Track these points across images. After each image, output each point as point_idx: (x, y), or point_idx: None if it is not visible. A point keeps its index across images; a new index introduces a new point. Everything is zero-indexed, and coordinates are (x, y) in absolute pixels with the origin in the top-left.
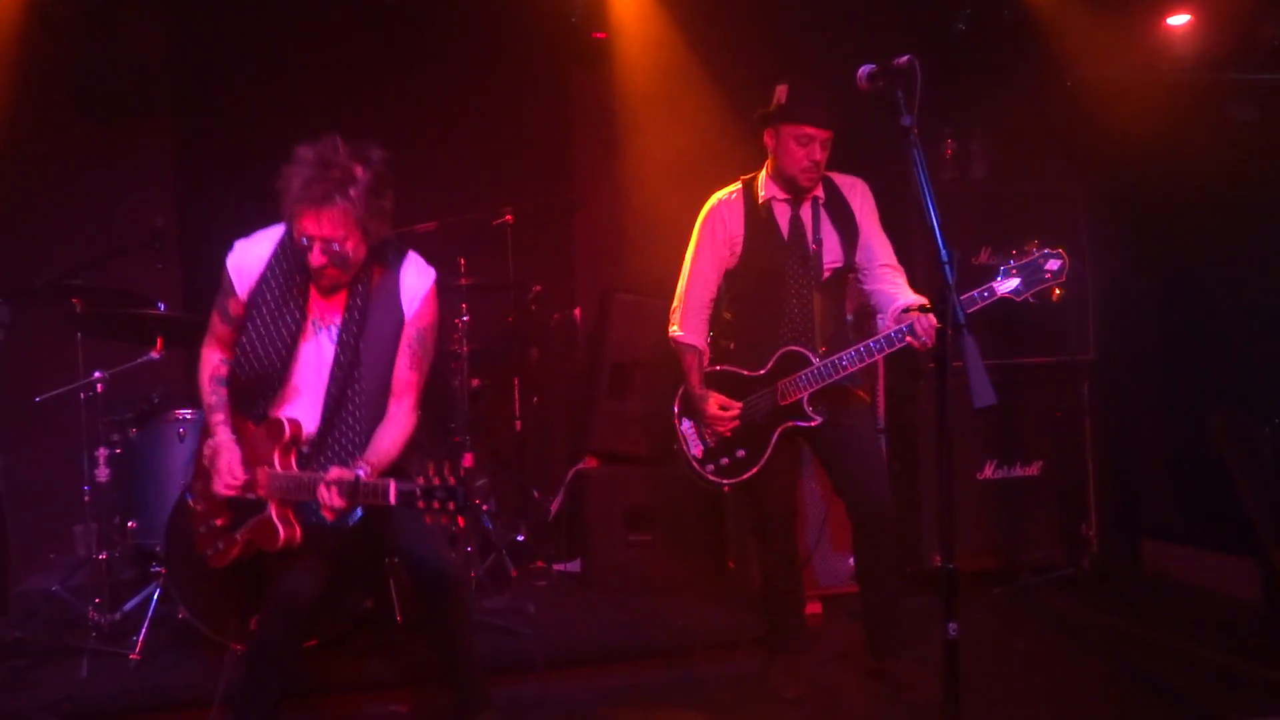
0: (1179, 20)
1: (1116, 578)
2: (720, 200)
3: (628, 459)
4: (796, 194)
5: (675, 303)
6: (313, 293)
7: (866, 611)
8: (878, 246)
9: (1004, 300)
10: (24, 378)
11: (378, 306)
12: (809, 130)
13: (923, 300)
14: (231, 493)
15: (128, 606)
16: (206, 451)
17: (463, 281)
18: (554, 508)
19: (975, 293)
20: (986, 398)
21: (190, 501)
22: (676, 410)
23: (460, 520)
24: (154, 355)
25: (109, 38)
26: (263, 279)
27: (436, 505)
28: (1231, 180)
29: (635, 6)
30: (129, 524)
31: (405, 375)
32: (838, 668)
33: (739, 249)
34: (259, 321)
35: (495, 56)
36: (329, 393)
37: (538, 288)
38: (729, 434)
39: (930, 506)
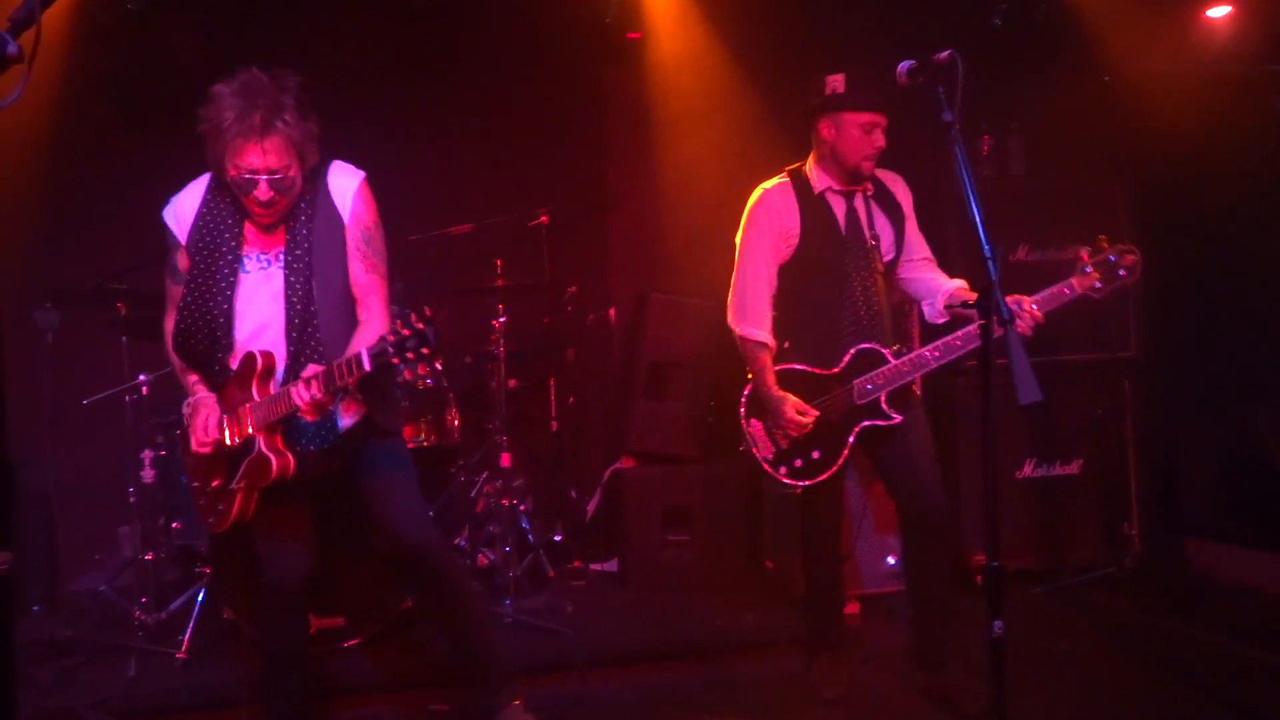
0: (1219, 12)
1: (1160, 577)
2: (770, 190)
3: (665, 459)
4: (853, 184)
5: (731, 300)
6: (247, 228)
7: (916, 620)
8: (917, 240)
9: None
10: (71, 380)
11: (319, 225)
12: (872, 117)
13: (963, 283)
14: (205, 450)
15: (173, 606)
16: (186, 411)
17: (499, 283)
18: (591, 508)
19: (1056, 289)
20: (1032, 394)
21: (185, 480)
22: (743, 411)
23: (438, 363)
24: None
25: (150, 48)
26: (197, 223)
27: (411, 356)
28: (1273, 173)
29: (669, 6)
30: (173, 525)
31: (364, 280)
32: (877, 668)
33: (794, 241)
34: (197, 269)
35: (529, 58)
36: (289, 322)
37: (574, 288)
38: (801, 437)
39: (970, 505)
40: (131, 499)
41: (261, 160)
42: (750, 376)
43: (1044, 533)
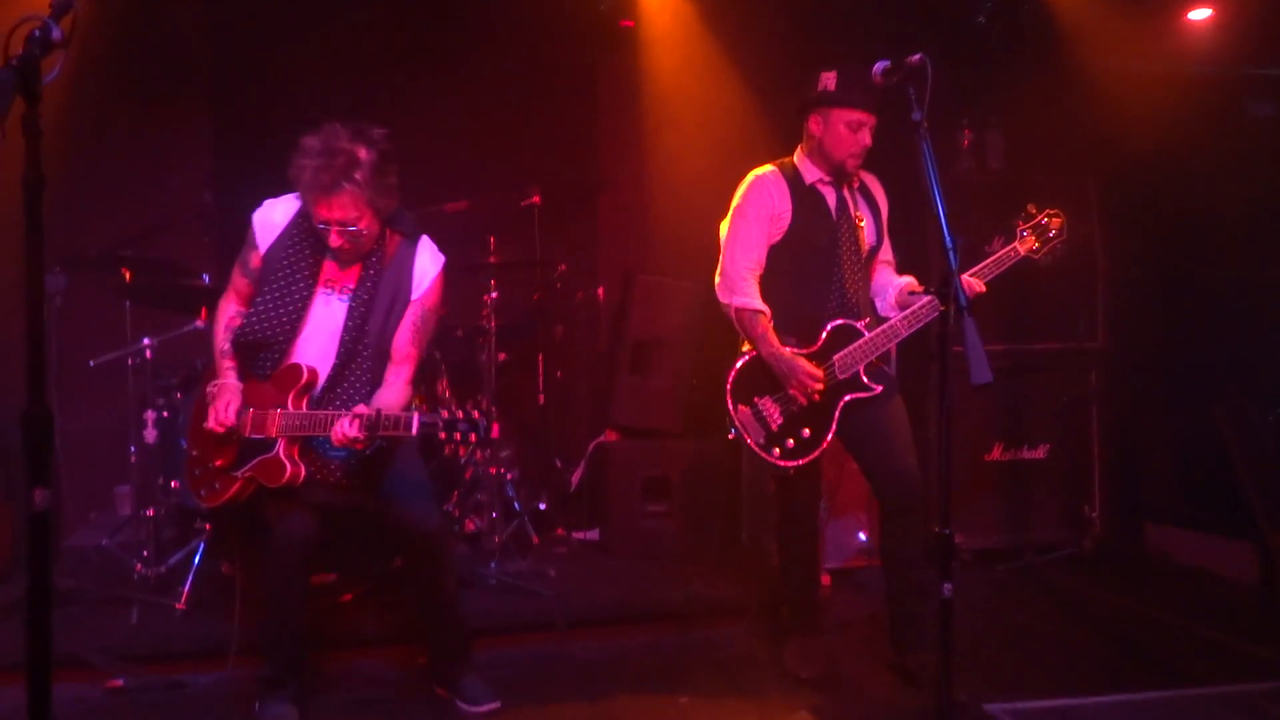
0: (1200, 15)
1: (1118, 558)
2: (763, 175)
3: (647, 433)
4: (839, 178)
5: (720, 279)
6: (326, 260)
7: (891, 601)
8: (888, 240)
9: (1022, 269)
10: (76, 343)
11: (389, 278)
12: (859, 115)
13: (912, 279)
14: (219, 430)
15: (173, 560)
16: (211, 389)
17: (492, 259)
18: (575, 478)
19: (1002, 253)
20: (983, 375)
21: (185, 445)
22: (730, 398)
23: (479, 454)
24: (198, 324)
25: (152, 22)
26: (280, 239)
27: (458, 437)
28: (1243, 174)
29: None
30: (172, 484)
31: (406, 349)
32: (845, 639)
33: (785, 225)
34: (273, 284)
35: (526, 45)
36: (340, 352)
37: (563, 267)
38: (807, 403)
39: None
40: (133, 458)
41: (329, 213)
42: (745, 351)
43: (1009, 514)
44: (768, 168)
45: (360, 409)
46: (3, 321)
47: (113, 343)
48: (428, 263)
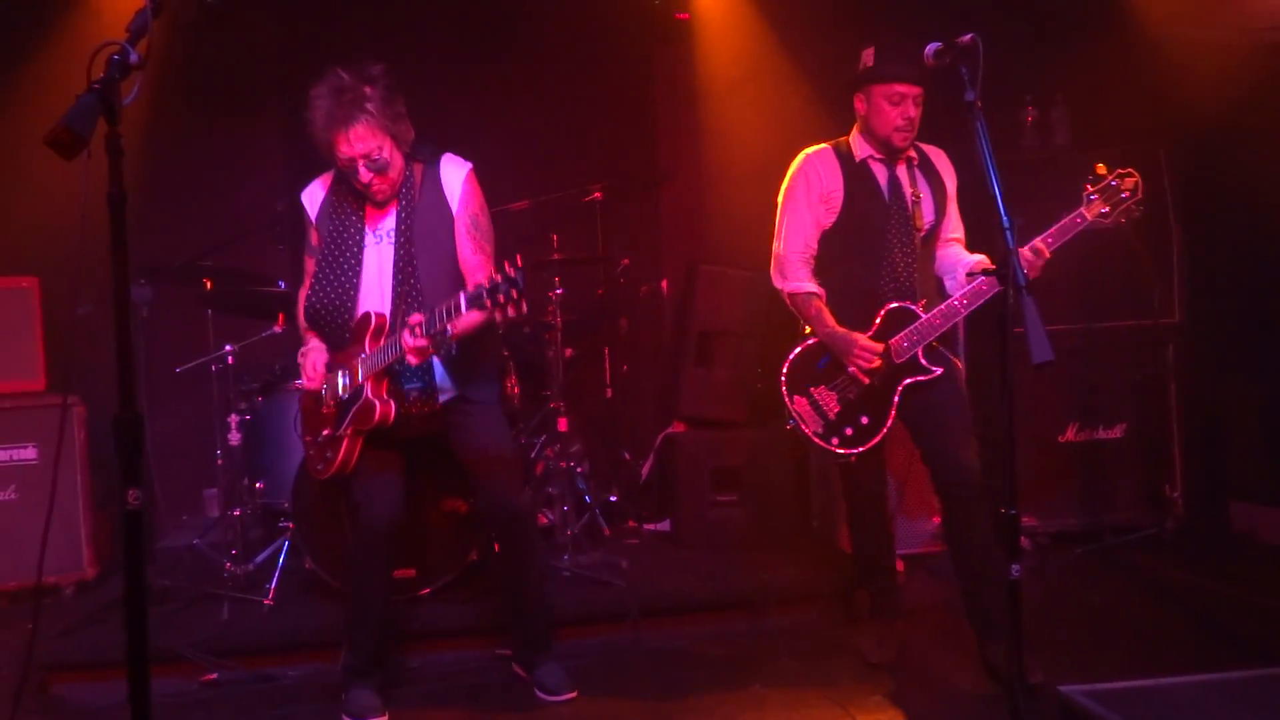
0: None
1: (1202, 538)
2: (811, 155)
3: (714, 423)
4: (891, 155)
5: (772, 263)
6: (368, 209)
7: (966, 593)
8: (954, 219)
9: (1094, 246)
10: (163, 352)
11: (425, 207)
12: (899, 88)
13: (983, 257)
14: (314, 385)
15: (259, 559)
16: (300, 358)
17: (555, 256)
18: (644, 470)
19: (1066, 221)
20: (1044, 354)
21: (299, 434)
22: (785, 389)
23: (524, 307)
24: (276, 330)
25: (224, 38)
26: (324, 205)
27: (502, 299)
28: None
29: None
30: (257, 485)
31: (473, 259)
32: (919, 627)
33: (837, 205)
34: (326, 245)
35: (583, 41)
36: (395, 291)
37: (626, 261)
38: (868, 383)
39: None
40: (219, 460)
41: (350, 148)
42: (802, 338)
43: (1086, 495)
44: (816, 147)
45: (413, 317)
46: (97, 336)
47: (196, 350)
48: (453, 172)
